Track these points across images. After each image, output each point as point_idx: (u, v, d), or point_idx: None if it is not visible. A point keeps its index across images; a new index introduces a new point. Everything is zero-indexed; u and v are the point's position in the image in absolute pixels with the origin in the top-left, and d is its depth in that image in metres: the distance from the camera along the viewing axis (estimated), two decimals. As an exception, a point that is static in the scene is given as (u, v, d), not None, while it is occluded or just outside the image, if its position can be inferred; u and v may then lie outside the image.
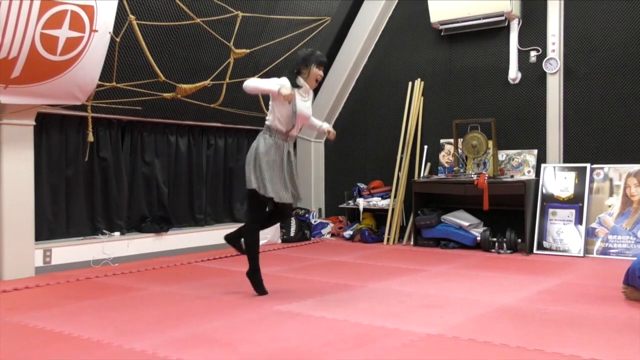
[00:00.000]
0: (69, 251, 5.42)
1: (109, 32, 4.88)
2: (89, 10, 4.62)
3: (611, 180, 5.99)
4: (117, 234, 5.92)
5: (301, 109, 4.22)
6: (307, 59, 4.27)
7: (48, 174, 5.49)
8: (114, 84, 5.38)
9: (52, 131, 5.52)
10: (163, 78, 5.61)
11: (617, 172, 5.97)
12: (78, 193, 5.73)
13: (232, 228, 6.97)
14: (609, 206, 5.92)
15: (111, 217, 5.97)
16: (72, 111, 5.41)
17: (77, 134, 5.67)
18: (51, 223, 5.52)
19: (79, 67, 4.76)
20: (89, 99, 5.18)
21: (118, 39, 5.15)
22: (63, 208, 5.62)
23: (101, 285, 4.72)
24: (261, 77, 6.64)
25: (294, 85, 4.19)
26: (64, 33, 4.52)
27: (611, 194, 5.96)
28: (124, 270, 5.33)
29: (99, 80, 5.09)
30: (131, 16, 5.19)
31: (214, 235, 6.71)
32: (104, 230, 5.86)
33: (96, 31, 4.73)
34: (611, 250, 5.78)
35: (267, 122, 4.21)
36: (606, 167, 6.05)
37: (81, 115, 5.45)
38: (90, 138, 5.35)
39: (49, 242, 5.41)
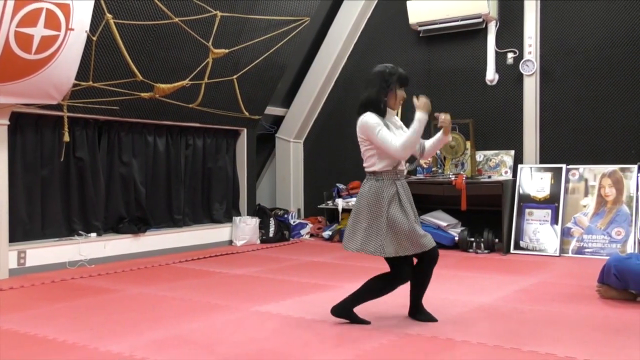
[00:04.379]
0: (44, 252, 5.34)
1: (86, 31, 4.83)
2: (65, 8, 4.56)
3: (586, 180, 6.08)
4: (93, 235, 5.84)
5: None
6: (388, 79, 3.49)
7: (23, 174, 5.40)
8: (91, 83, 5.32)
9: (27, 131, 5.44)
10: (141, 78, 5.55)
11: (592, 172, 6.06)
12: (54, 193, 5.65)
13: (210, 229, 7.05)
14: (584, 206, 6.01)
15: (88, 218, 5.90)
16: (48, 110, 5.33)
17: (53, 134, 5.59)
18: (26, 224, 5.43)
19: (54, 66, 4.70)
20: (65, 98, 5.12)
21: (95, 38, 5.09)
22: (38, 209, 5.54)
23: (77, 287, 4.66)
24: (239, 77, 6.63)
25: (384, 113, 3.49)
26: (39, 31, 4.46)
27: (586, 194, 6.04)
28: (101, 271, 5.27)
29: (75, 79, 5.03)
30: (108, 15, 5.13)
31: (193, 236, 6.68)
32: (81, 231, 5.78)
33: (72, 30, 4.67)
34: (586, 250, 5.86)
35: (370, 169, 3.48)
36: (581, 167, 6.13)
37: (57, 114, 5.37)
38: (66, 138, 5.28)
39: (24, 243, 5.32)
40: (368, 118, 3.42)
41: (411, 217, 3.40)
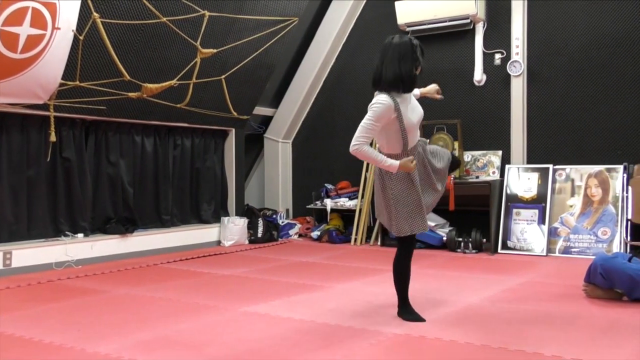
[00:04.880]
0: (31, 253, 5.30)
1: (72, 30, 4.79)
2: (51, 7, 4.53)
3: (573, 180, 6.12)
4: (80, 235, 5.81)
5: (410, 120, 3.43)
6: (417, 52, 3.49)
7: (9, 174, 5.36)
8: (78, 82, 5.29)
9: (13, 131, 5.39)
10: (128, 77, 5.52)
11: (579, 172, 6.11)
12: (40, 194, 5.61)
13: (198, 229, 7.02)
14: (571, 206, 6.05)
15: (75, 218, 5.86)
16: (34, 110, 5.29)
17: (39, 134, 5.55)
18: (12, 224, 5.38)
19: (40, 65, 4.66)
20: (52, 98, 5.07)
21: (82, 37, 5.05)
22: (24, 209, 5.49)
23: (64, 288, 4.63)
24: (227, 77, 6.61)
25: (412, 89, 3.58)
26: (25, 30, 4.42)
27: (573, 194, 6.09)
28: (88, 272, 5.24)
29: (62, 78, 4.99)
30: (95, 14, 5.10)
31: (181, 236, 6.65)
32: (67, 232, 5.74)
33: (59, 29, 4.64)
34: (573, 250, 5.91)
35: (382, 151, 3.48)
36: (568, 168, 6.18)
37: (43, 114, 5.33)
38: (53, 138, 5.23)
39: (10, 244, 5.28)
40: (381, 101, 3.37)
41: (420, 194, 3.48)
